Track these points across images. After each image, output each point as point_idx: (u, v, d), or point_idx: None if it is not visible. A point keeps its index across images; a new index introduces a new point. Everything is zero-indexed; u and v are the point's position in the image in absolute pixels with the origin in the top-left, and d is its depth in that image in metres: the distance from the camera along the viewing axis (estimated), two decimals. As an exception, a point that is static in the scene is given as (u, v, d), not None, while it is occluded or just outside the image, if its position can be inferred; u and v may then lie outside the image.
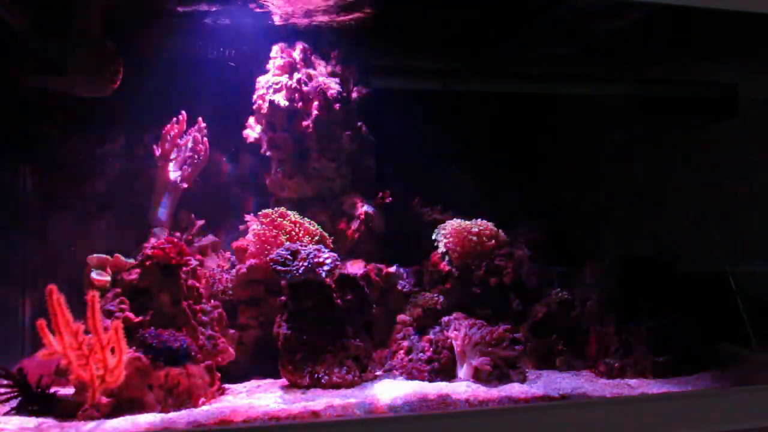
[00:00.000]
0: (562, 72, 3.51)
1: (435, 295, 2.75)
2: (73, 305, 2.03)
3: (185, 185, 2.86)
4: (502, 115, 3.40)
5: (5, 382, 2.12)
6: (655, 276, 2.85)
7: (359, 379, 2.38)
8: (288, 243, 2.58)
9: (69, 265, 2.66)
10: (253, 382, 2.49)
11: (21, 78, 2.59)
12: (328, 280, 2.49)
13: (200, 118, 2.87)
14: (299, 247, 2.49)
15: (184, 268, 2.44)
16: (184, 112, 2.82)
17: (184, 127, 2.84)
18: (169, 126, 2.80)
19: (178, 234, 2.80)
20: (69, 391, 2.10)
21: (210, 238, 2.88)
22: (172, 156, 2.83)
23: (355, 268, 2.82)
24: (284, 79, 2.96)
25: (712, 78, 3.52)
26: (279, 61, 2.99)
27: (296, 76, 2.96)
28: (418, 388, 2.30)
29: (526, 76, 3.51)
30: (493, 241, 2.83)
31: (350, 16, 2.80)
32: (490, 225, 2.85)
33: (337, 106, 2.96)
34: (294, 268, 2.42)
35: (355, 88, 3.09)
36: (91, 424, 1.91)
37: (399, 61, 3.33)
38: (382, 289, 2.80)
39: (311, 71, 3.00)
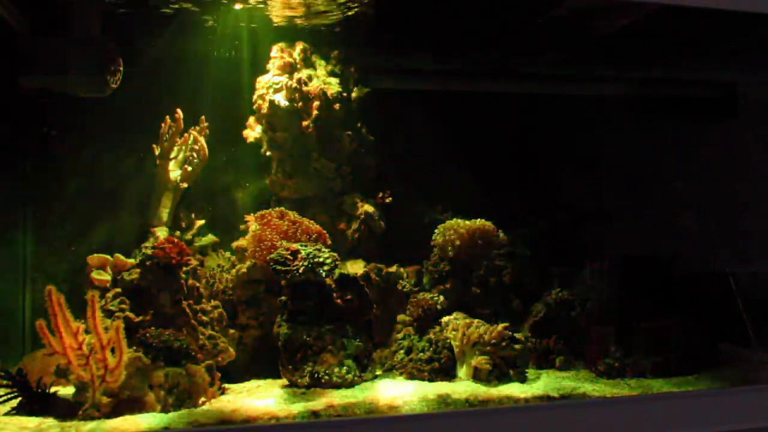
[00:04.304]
0: (562, 72, 3.51)
1: (435, 295, 2.75)
2: (73, 305, 2.03)
3: (185, 184, 2.86)
4: (502, 115, 3.39)
5: (5, 382, 2.12)
6: (654, 276, 2.85)
7: (359, 379, 2.38)
8: (288, 243, 2.58)
9: (69, 265, 2.66)
10: (253, 382, 2.49)
11: (21, 78, 2.58)
12: (328, 280, 2.49)
13: (203, 117, 2.87)
14: (299, 247, 2.49)
15: (184, 268, 2.44)
16: (179, 110, 2.80)
17: (182, 125, 2.83)
18: (163, 124, 2.79)
19: (178, 234, 2.79)
20: (69, 391, 2.10)
21: (210, 238, 2.88)
22: (172, 155, 2.83)
23: (355, 268, 2.82)
24: (284, 79, 2.96)
25: (713, 78, 3.53)
26: (279, 61, 2.98)
27: (296, 76, 2.96)
28: (418, 388, 2.31)
29: (526, 76, 3.50)
30: (493, 240, 2.83)
31: (350, 17, 2.80)
32: (490, 225, 2.85)
33: (337, 106, 2.96)
34: (294, 268, 2.42)
35: (355, 88, 3.09)
36: (91, 424, 1.91)
37: (399, 61, 3.32)
38: (382, 289, 2.80)
39: (311, 71, 3.00)
